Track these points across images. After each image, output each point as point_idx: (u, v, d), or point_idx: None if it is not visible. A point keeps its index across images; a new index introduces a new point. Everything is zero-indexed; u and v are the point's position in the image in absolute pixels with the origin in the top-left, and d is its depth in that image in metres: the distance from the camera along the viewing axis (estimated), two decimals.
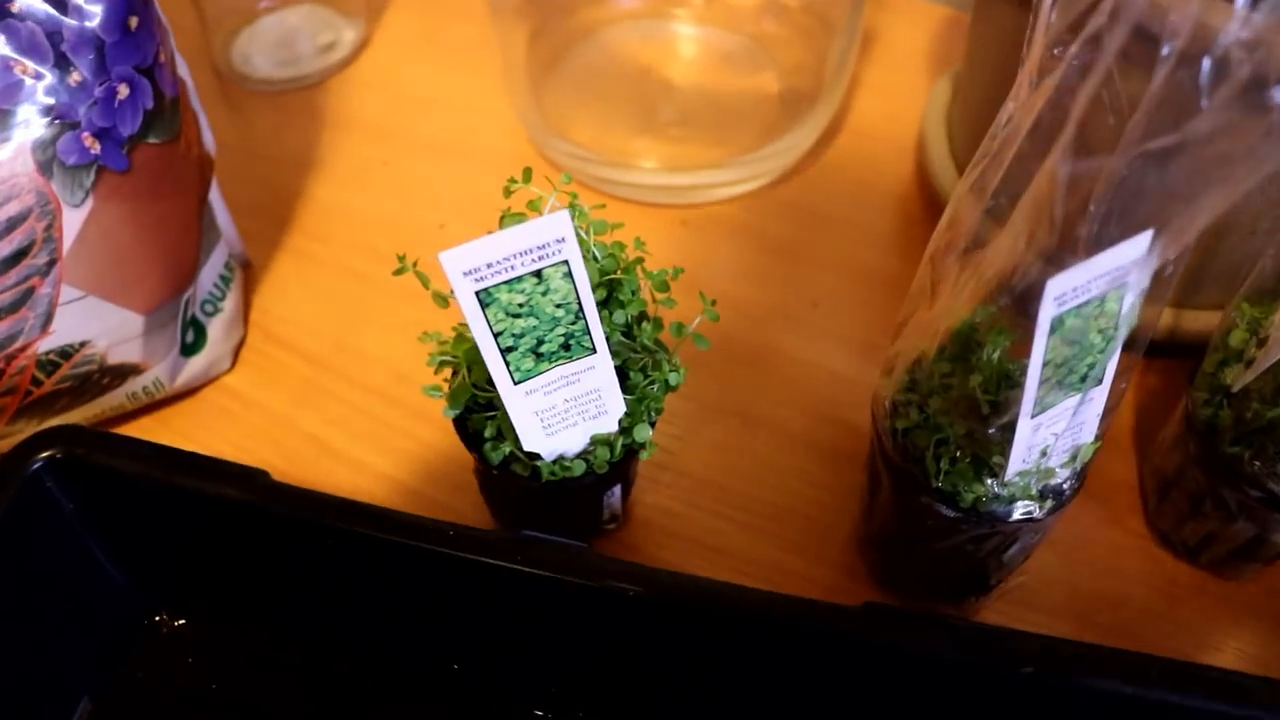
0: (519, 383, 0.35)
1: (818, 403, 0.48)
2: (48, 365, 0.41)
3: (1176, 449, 0.42)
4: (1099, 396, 0.35)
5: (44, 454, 0.35)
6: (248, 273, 0.51)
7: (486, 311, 0.32)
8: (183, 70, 0.43)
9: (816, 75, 0.56)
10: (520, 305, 0.32)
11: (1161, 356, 0.48)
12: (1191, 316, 0.46)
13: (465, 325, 0.39)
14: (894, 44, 0.62)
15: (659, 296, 0.39)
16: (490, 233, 0.31)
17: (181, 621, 0.40)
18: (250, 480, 0.35)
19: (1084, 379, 0.33)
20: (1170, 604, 0.43)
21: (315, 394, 0.47)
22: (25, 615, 0.36)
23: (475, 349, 0.38)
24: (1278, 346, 0.37)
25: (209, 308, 0.47)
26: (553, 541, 0.33)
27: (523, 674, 0.38)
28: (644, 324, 0.38)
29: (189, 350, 0.46)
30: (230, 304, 0.48)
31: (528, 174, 0.37)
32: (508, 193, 0.37)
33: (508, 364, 0.34)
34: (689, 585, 0.32)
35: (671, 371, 0.37)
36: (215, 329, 0.47)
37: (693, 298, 0.39)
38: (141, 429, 0.46)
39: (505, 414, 0.37)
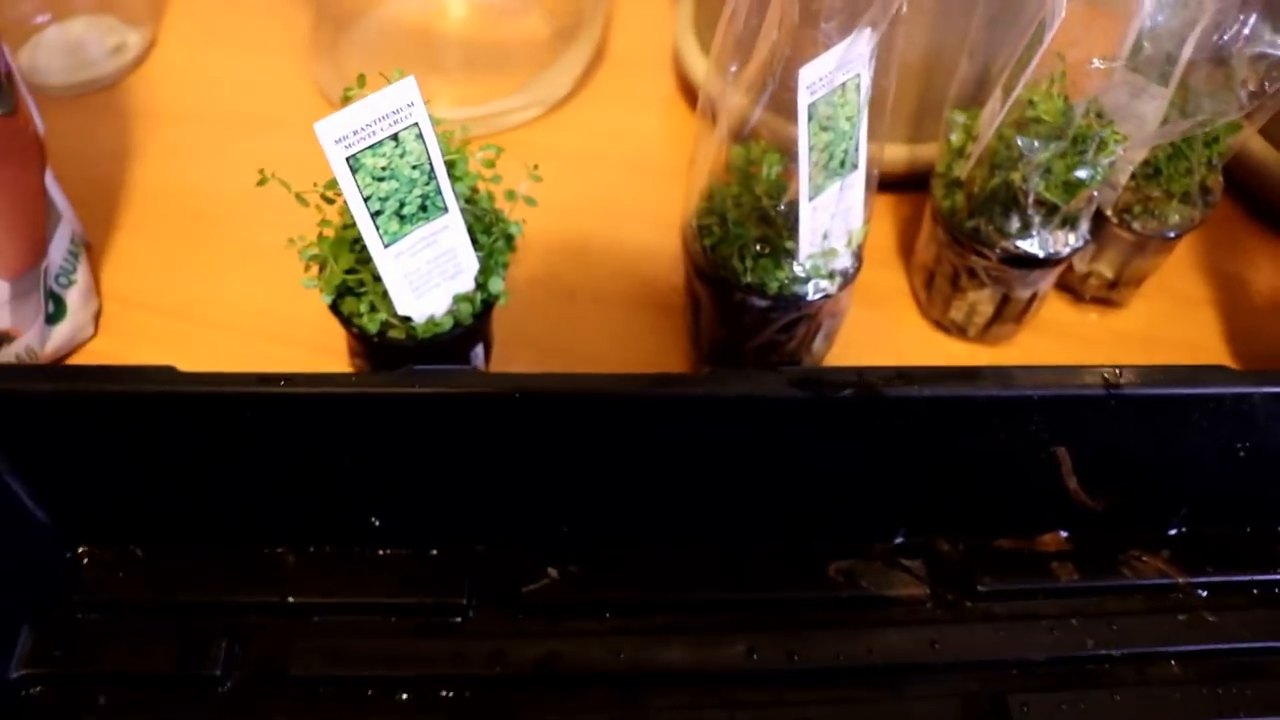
0: (388, 245, 0.41)
1: (631, 271, 0.57)
2: None
3: (930, 243, 0.53)
4: (858, 181, 0.45)
5: None
6: (90, 253, 0.55)
7: (356, 177, 0.39)
8: (7, 54, 0.48)
9: (577, 14, 0.66)
10: (383, 169, 0.39)
11: (909, 190, 0.59)
12: (923, 149, 0.58)
13: (326, 223, 0.45)
14: None
15: (487, 174, 0.46)
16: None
17: (105, 548, 0.44)
18: (161, 375, 0.40)
19: (843, 164, 0.43)
20: None
21: (183, 342, 0.52)
22: None
23: (338, 243, 0.45)
24: (984, 136, 0.48)
25: (63, 280, 0.51)
26: (446, 369, 0.40)
27: (446, 507, 0.44)
28: (479, 194, 0.46)
29: (52, 319, 0.50)
30: (82, 276, 0.52)
31: (361, 79, 0.44)
32: (346, 99, 0.44)
33: (377, 228, 0.41)
34: (582, 381, 0.40)
35: (513, 225, 0.45)
36: (73, 299, 0.51)
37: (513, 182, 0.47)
38: None
39: (375, 289, 0.44)
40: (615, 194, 0.60)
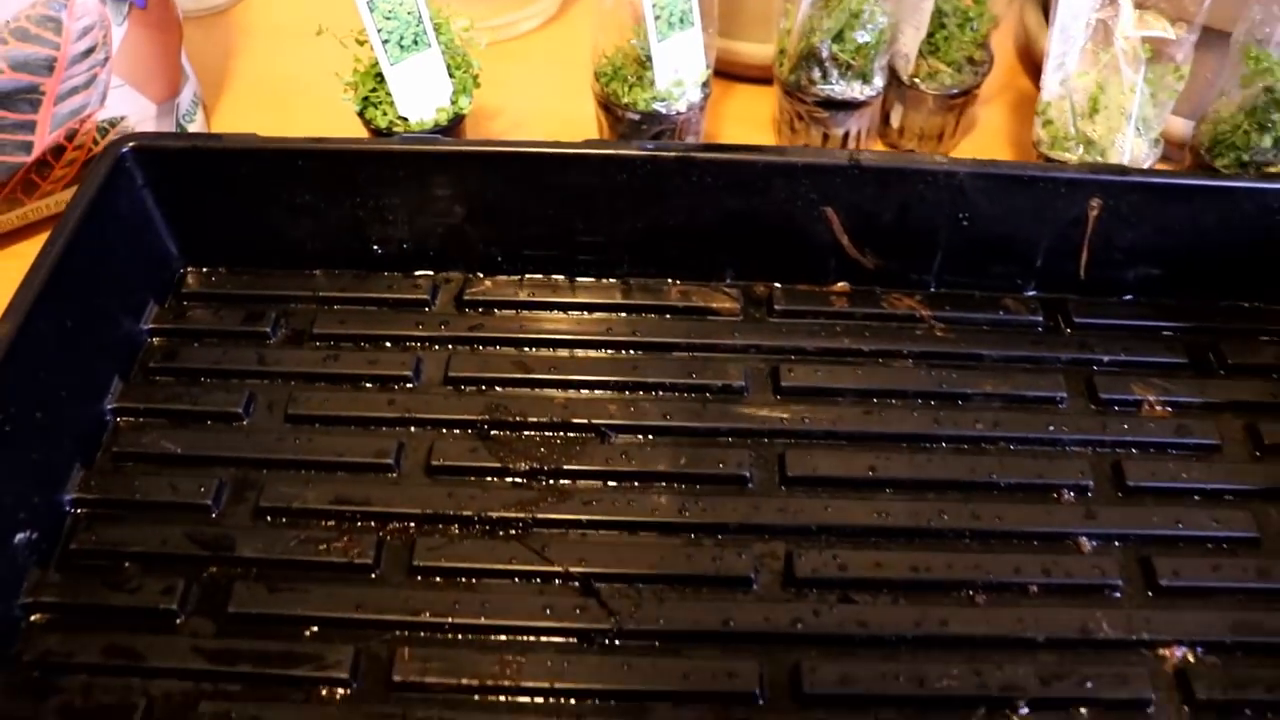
0: (393, 64, 0.70)
1: (578, 125, 0.84)
2: (103, 130, 0.75)
3: (776, 99, 0.79)
4: (696, 36, 0.72)
5: (128, 144, 0.68)
6: (205, 108, 0.85)
7: (373, 15, 0.68)
8: None
9: None
10: (389, 11, 0.68)
11: None
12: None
13: (358, 60, 0.74)
14: None
15: (464, 31, 0.75)
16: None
17: (201, 267, 0.73)
18: (246, 138, 0.69)
19: (682, 21, 0.70)
20: None
21: None
22: (109, 248, 0.68)
23: (365, 74, 0.73)
24: (800, 16, 0.75)
25: (187, 118, 0.81)
26: (424, 135, 0.69)
27: (423, 239, 0.72)
28: (456, 44, 0.74)
29: None
30: (200, 118, 0.82)
31: None
32: None
33: (386, 52, 0.69)
34: (510, 144, 0.68)
35: (475, 62, 0.73)
36: (192, 130, 0.81)
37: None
38: None
39: (387, 98, 0.72)
40: (582, 80, 0.88)
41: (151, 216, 0.71)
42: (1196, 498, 0.64)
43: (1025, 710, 0.55)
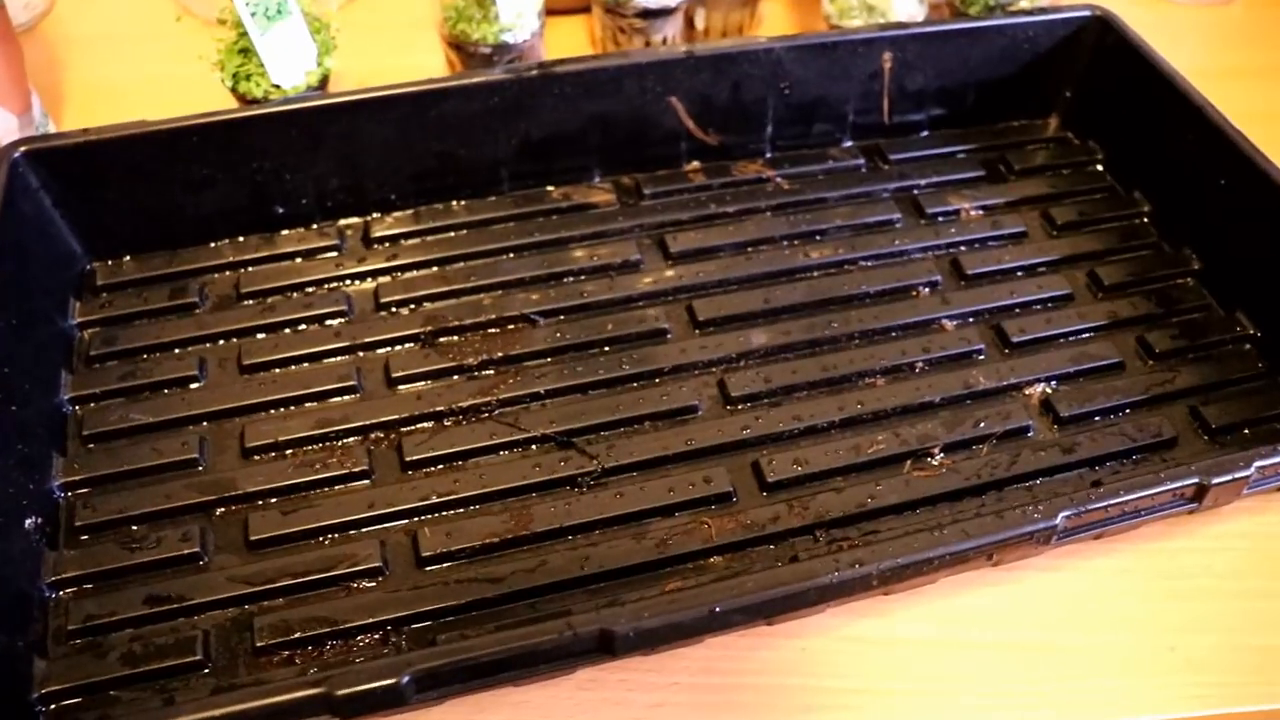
0: (263, 35, 0.76)
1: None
2: None
3: (599, 19, 0.90)
4: None
5: (18, 150, 0.72)
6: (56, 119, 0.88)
7: None
8: None
9: None
10: None
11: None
12: None
13: (220, 40, 0.80)
14: None
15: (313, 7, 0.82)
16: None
17: (112, 261, 0.77)
18: (137, 123, 0.73)
19: None
20: None
21: None
22: (24, 251, 0.72)
23: (229, 50, 0.79)
24: None
25: (41, 129, 0.84)
26: (297, 95, 0.75)
27: (321, 189, 0.78)
28: (309, 13, 0.81)
29: None
30: (53, 129, 0.85)
31: None
32: None
33: (255, 24, 0.75)
34: (408, 84, 0.75)
35: (333, 25, 0.80)
36: None
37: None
38: None
39: (257, 68, 0.78)
40: (423, 36, 0.94)
41: (51, 217, 0.75)
42: (1020, 274, 0.79)
43: (941, 455, 0.68)
